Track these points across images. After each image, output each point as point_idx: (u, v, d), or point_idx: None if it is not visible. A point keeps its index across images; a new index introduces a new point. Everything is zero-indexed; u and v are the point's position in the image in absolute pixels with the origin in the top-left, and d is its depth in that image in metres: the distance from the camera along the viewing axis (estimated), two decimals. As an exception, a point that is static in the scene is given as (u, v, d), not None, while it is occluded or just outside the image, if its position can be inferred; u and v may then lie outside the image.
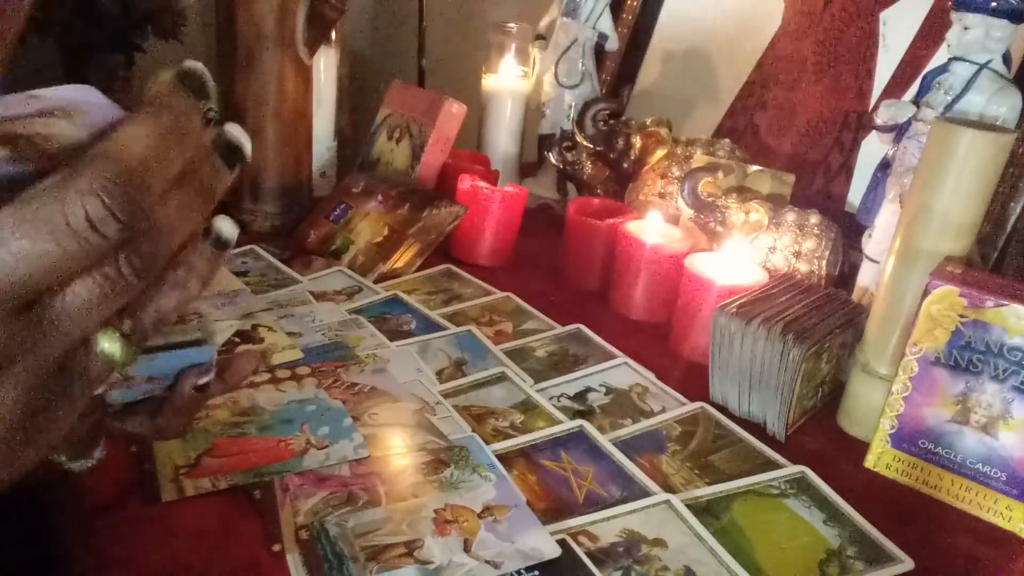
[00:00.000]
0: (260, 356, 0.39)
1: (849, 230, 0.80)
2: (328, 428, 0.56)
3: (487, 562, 0.46)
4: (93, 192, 0.22)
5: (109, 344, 0.26)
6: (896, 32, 0.90)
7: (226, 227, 0.28)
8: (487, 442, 0.57)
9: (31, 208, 0.22)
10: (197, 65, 0.27)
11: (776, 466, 0.58)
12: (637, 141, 0.93)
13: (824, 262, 0.77)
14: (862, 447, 0.62)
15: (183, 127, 0.25)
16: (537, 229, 0.99)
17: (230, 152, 0.27)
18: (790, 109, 0.99)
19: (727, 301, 0.65)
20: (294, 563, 0.45)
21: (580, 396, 0.65)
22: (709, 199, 0.82)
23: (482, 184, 0.90)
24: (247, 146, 0.27)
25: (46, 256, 0.22)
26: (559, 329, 0.76)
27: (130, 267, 0.24)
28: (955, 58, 0.66)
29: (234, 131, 0.27)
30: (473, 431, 0.58)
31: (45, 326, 0.23)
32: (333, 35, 1.00)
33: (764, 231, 0.79)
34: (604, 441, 0.58)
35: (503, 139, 1.13)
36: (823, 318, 0.65)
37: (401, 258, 0.85)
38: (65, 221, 0.22)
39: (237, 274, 0.80)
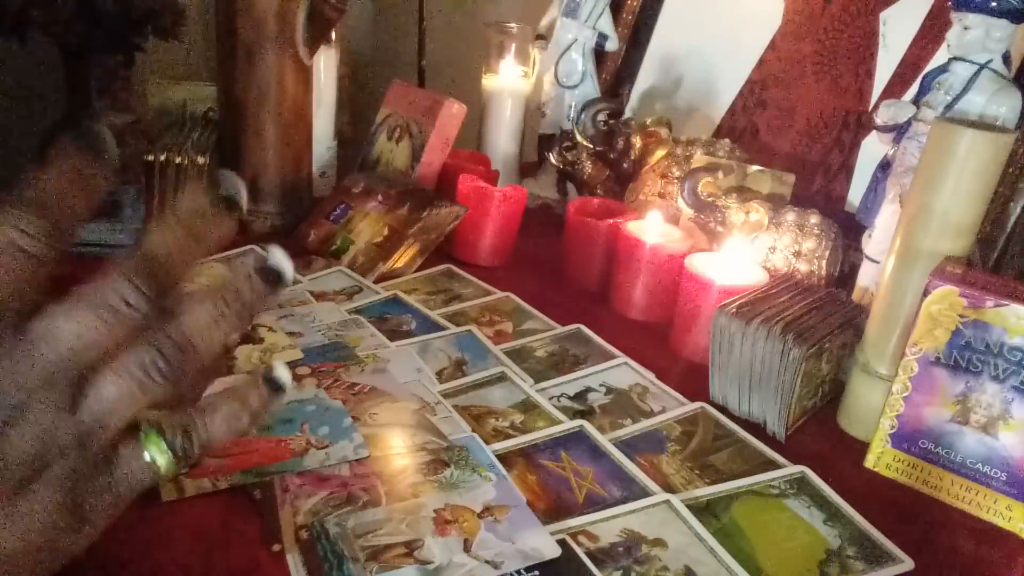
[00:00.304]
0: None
1: (849, 230, 0.80)
2: (328, 428, 0.56)
3: (487, 562, 0.46)
4: (124, 277, 0.27)
5: (159, 454, 0.28)
6: (896, 32, 0.90)
7: (283, 373, 0.31)
8: (487, 442, 0.57)
9: (81, 296, 0.27)
10: (231, 181, 0.30)
11: (776, 466, 0.58)
12: (637, 141, 0.93)
13: (824, 262, 0.77)
14: (862, 447, 0.62)
15: (199, 229, 0.29)
16: (537, 229, 0.99)
17: (270, 275, 0.29)
18: (790, 109, 0.99)
19: (727, 301, 0.65)
20: (294, 563, 0.45)
21: (580, 396, 0.65)
22: (709, 199, 0.82)
23: (482, 184, 0.90)
24: (288, 273, 0.29)
25: (91, 330, 0.26)
26: (559, 329, 0.76)
27: (162, 360, 0.27)
28: (955, 58, 0.66)
29: (277, 255, 0.29)
30: (473, 431, 0.58)
31: (88, 417, 0.26)
32: (333, 35, 1.00)
33: (764, 231, 0.79)
34: (604, 441, 0.58)
35: (503, 139, 1.13)
36: (823, 318, 0.65)
37: (401, 258, 0.85)
38: (105, 301, 0.26)
39: (237, 274, 0.80)
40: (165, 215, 0.28)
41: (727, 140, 0.93)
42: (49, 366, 0.26)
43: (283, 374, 0.31)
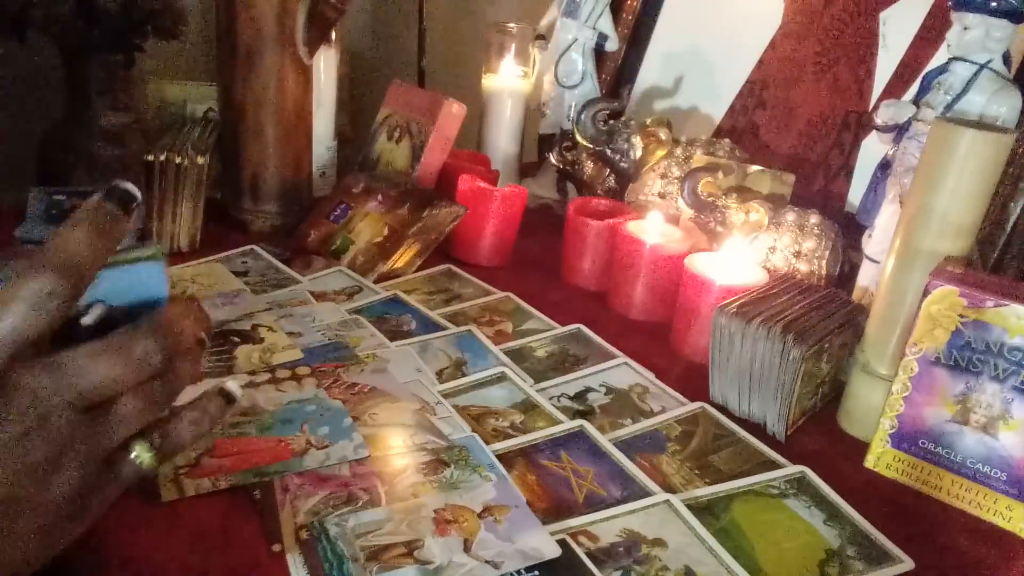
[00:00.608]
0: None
1: (849, 230, 0.80)
2: (328, 428, 0.56)
3: (487, 562, 0.46)
4: (149, 337, 0.34)
5: (143, 452, 0.36)
6: (896, 32, 0.90)
7: (233, 387, 0.39)
8: (487, 442, 0.57)
9: (109, 343, 0.33)
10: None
11: (776, 466, 0.58)
12: (637, 141, 0.93)
13: (824, 262, 0.77)
14: (862, 447, 0.62)
15: (191, 326, 0.37)
16: (537, 229, 0.99)
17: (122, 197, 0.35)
18: (790, 109, 0.99)
19: (727, 301, 0.65)
20: (294, 563, 0.45)
21: (580, 396, 0.65)
22: (709, 199, 0.82)
23: (482, 184, 0.90)
24: (237, 392, 0.40)
25: (116, 374, 0.33)
26: (559, 329, 0.76)
27: (163, 390, 0.35)
28: (955, 58, 0.66)
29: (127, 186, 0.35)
30: (473, 431, 0.58)
31: (103, 424, 0.33)
32: (333, 35, 1.00)
33: (764, 231, 0.79)
34: (604, 441, 0.58)
35: (503, 139, 1.13)
36: (823, 318, 0.65)
37: (401, 258, 0.85)
38: (132, 352, 0.34)
39: (237, 274, 0.81)
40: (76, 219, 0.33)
41: (727, 140, 0.93)
42: (75, 391, 0.32)
43: (234, 387, 0.39)
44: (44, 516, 0.32)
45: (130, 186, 0.34)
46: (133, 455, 0.36)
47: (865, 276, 0.75)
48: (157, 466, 0.37)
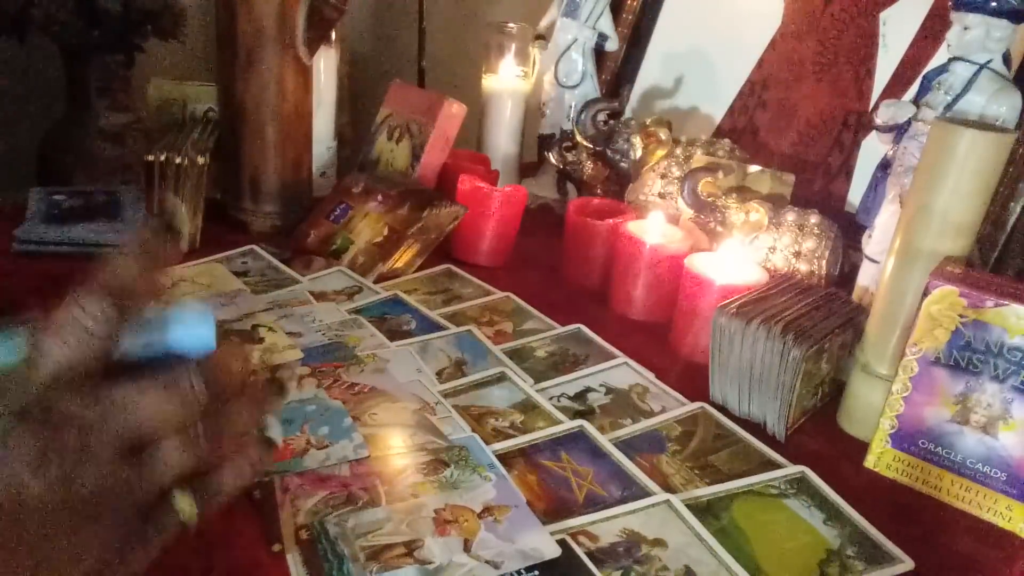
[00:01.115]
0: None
1: (849, 230, 0.80)
2: (328, 428, 0.56)
3: (487, 562, 0.46)
4: (198, 374, 0.32)
5: (184, 502, 0.33)
6: (896, 32, 0.90)
7: (274, 432, 0.37)
8: (487, 442, 0.57)
9: (157, 379, 0.32)
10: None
11: (776, 466, 0.58)
12: (637, 141, 0.93)
13: (824, 262, 0.77)
14: (862, 447, 0.62)
15: (242, 361, 0.35)
16: (537, 229, 0.99)
17: (279, 387, 0.38)
18: (790, 109, 0.99)
19: (727, 301, 0.65)
20: (294, 563, 0.45)
21: (580, 396, 0.65)
22: (709, 199, 0.82)
23: (482, 184, 0.90)
24: (278, 438, 0.38)
25: (163, 411, 0.31)
26: (559, 329, 0.76)
27: (206, 434, 0.33)
28: (955, 58, 0.66)
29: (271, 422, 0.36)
30: (473, 431, 0.58)
31: (144, 467, 0.31)
32: (333, 35, 1.00)
33: (764, 231, 0.79)
34: (604, 441, 0.58)
35: (503, 139, 1.13)
36: (823, 318, 0.65)
37: (401, 258, 0.85)
38: (178, 387, 0.32)
39: (237, 274, 0.81)
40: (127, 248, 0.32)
41: (727, 140, 0.93)
42: (121, 426, 0.31)
43: (274, 432, 0.38)
44: (80, 564, 0.30)
45: (178, 211, 0.34)
46: (178, 512, 0.34)
47: (865, 276, 0.75)
48: (197, 516, 0.34)
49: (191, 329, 0.34)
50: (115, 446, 0.30)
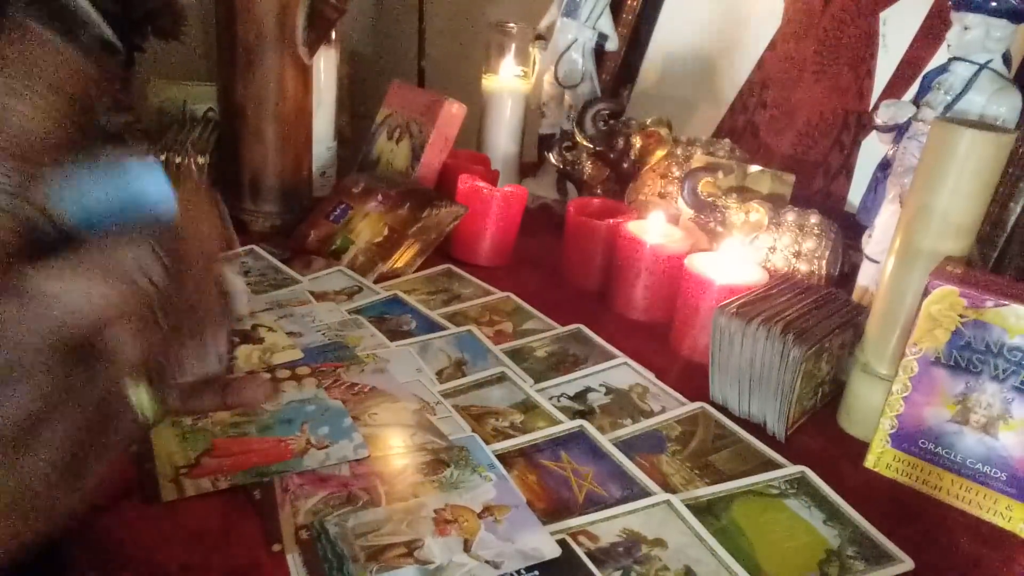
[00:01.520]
0: (271, 387, 0.36)
1: (849, 230, 0.80)
2: (328, 428, 0.56)
3: (487, 562, 0.46)
4: (147, 246, 0.25)
5: (143, 396, 0.27)
6: (896, 32, 0.90)
7: (236, 285, 0.31)
8: (487, 442, 0.57)
9: (99, 258, 0.25)
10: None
11: (776, 466, 0.58)
12: (637, 141, 0.93)
13: (824, 262, 0.77)
14: (862, 447, 0.62)
15: (209, 223, 0.29)
16: (537, 229, 0.99)
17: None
18: (790, 109, 0.99)
19: (727, 301, 0.65)
20: (294, 563, 0.45)
21: (580, 396, 0.65)
22: (709, 199, 0.82)
23: (482, 184, 0.90)
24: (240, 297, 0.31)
25: (105, 301, 0.24)
26: (559, 329, 0.76)
27: (163, 314, 0.26)
28: (955, 58, 0.66)
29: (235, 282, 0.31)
30: (473, 431, 0.58)
31: (92, 366, 0.25)
32: (333, 35, 1.00)
33: (764, 231, 0.79)
34: (604, 441, 0.58)
35: (503, 139, 1.13)
36: (823, 318, 0.65)
37: (401, 258, 0.85)
38: (128, 271, 0.25)
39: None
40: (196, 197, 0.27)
41: (727, 140, 0.93)
42: (54, 326, 0.24)
43: (238, 290, 0.31)
44: (26, 492, 0.25)
45: (108, 33, 0.27)
46: (133, 402, 0.28)
47: (865, 276, 0.75)
48: (159, 410, 0.28)
49: (137, 178, 0.27)
50: (48, 350, 0.24)
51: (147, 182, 0.27)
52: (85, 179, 0.26)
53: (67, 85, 0.24)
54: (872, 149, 0.87)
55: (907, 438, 0.59)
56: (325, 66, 1.02)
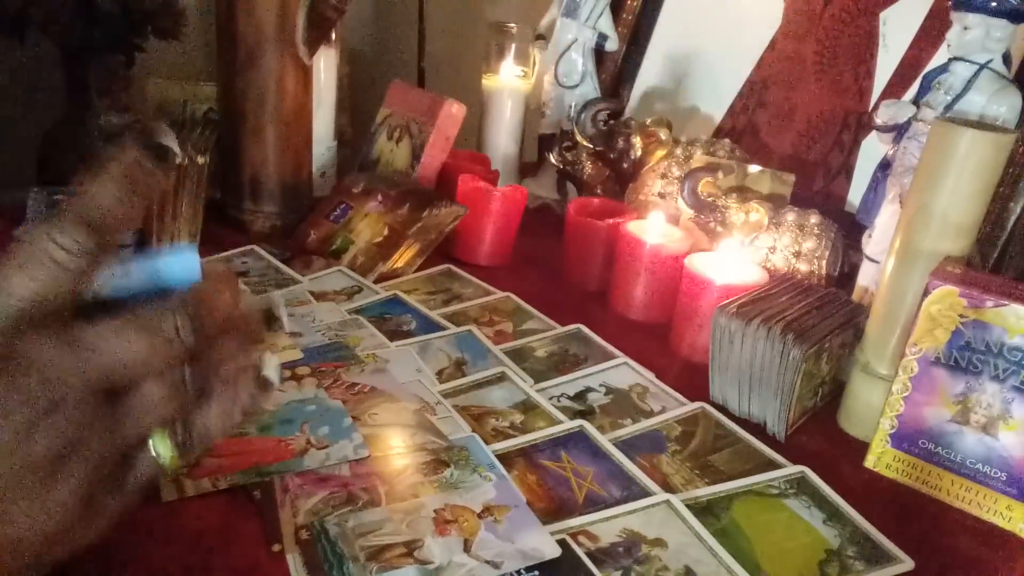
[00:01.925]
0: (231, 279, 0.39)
1: (849, 230, 0.80)
2: (328, 428, 0.56)
3: (487, 562, 0.46)
4: (182, 310, 0.29)
5: (162, 447, 0.31)
6: (896, 32, 0.90)
7: (271, 372, 0.34)
8: (487, 442, 0.57)
9: (136, 319, 0.29)
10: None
11: (776, 466, 0.58)
12: (637, 141, 0.93)
13: (824, 262, 0.77)
14: (862, 447, 0.62)
15: (231, 293, 0.32)
16: (537, 229, 0.99)
17: (268, 317, 0.34)
18: (790, 109, 0.99)
19: (727, 301, 0.65)
20: (294, 563, 0.45)
21: (580, 396, 0.65)
22: (709, 199, 0.82)
23: (482, 184, 0.90)
24: (284, 318, 0.36)
25: (142, 353, 0.28)
26: (559, 329, 0.76)
27: (193, 378, 0.30)
28: (955, 58, 0.66)
29: (276, 300, 0.34)
30: (473, 431, 0.58)
31: (122, 414, 0.29)
32: (333, 35, 1.00)
33: (764, 231, 0.79)
34: (604, 441, 0.58)
35: (503, 139, 1.13)
36: (823, 318, 0.65)
37: (401, 258, 0.85)
38: (160, 327, 0.29)
39: (237, 274, 0.80)
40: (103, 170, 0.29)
41: (727, 140, 0.93)
42: (94, 371, 0.28)
43: (272, 373, 0.34)
44: (46, 522, 0.27)
45: (170, 139, 0.32)
46: (155, 456, 0.31)
47: (865, 276, 0.75)
48: (179, 463, 0.31)
49: (174, 260, 0.31)
50: (87, 392, 0.27)
51: (180, 269, 0.31)
52: (129, 261, 0.30)
53: (147, 195, 0.30)
54: (872, 149, 0.87)
55: (907, 438, 0.59)
56: (325, 66, 1.02)
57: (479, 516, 0.49)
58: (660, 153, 0.92)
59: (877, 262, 0.72)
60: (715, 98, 1.06)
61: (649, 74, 1.14)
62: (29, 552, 0.28)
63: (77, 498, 0.28)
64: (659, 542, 0.49)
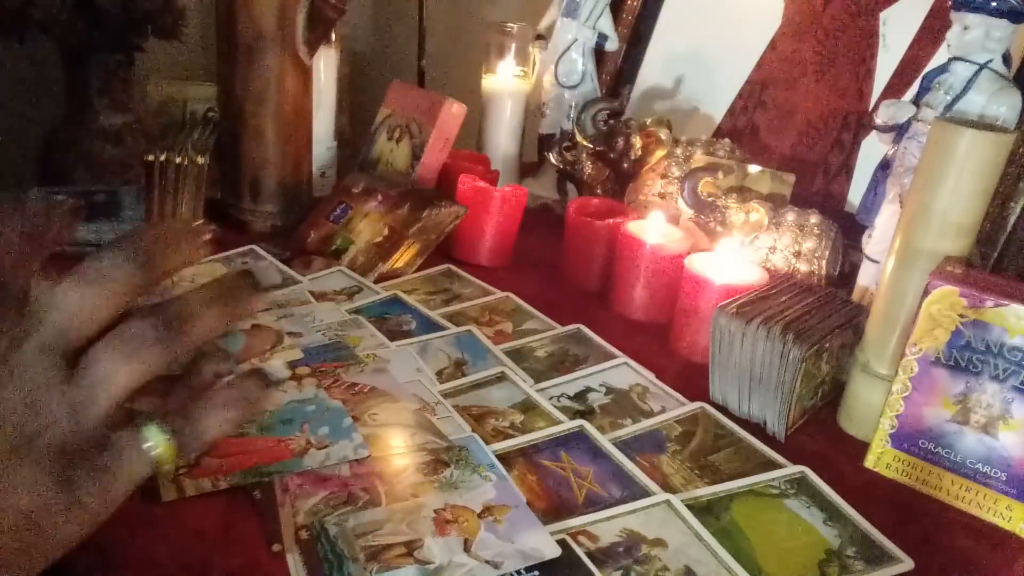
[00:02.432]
0: (275, 336, 0.39)
1: (849, 230, 0.80)
2: (328, 428, 0.56)
3: (487, 562, 0.46)
4: (126, 251, 0.29)
5: (158, 439, 0.29)
6: (896, 32, 0.90)
7: (274, 368, 0.34)
8: (487, 442, 0.57)
9: (82, 267, 0.28)
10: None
11: (776, 466, 0.58)
12: (637, 141, 0.93)
13: (824, 262, 0.77)
14: (862, 447, 0.62)
15: (186, 243, 0.31)
16: (537, 229, 0.99)
17: (255, 280, 0.32)
18: (790, 109, 0.99)
19: (727, 301, 0.65)
20: (294, 563, 0.45)
21: (580, 396, 0.65)
22: (709, 199, 0.82)
23: (482, 184, 0.90)
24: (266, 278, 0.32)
25: (89, 300, 0.27)
26: (559, 329, 0.76)
27: (155, 323, 0.28)
28: (955, 58, 0.66)
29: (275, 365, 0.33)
30: (473, 431, 0.58)
31: (83, 386, 0.27)
32: (333, 35, 1.00)
33: (764, 231, 0.79)
34: (604, 441, 0.58)
35: (503, 139, 1.13)
36: (823, 318, 0.65)
37: (401, 258, 0.85)
38: (112, 278, 0.28)
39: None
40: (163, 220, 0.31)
41: (727, 140, 0.93)
42: (46, 333, 0.27)
43: (274, 368, 0.33)
44: (19, 498, 0.26)
45: (270, 274, 0.32)
46: (146, 444, 0.29)
47: (865, 276, 0.75)
48: (175, 459, 0.30)
49: None
50: (44, 358, 0.26)
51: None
52: None
53: (191, 259, 0.30)
54: (872, 149, 0.87)
55: (907, 438, 0.59)
56: (325, 66, 1.02)
57: (479, 516, 0.49)
58: (660, 153, 0.92)
59: (877, 262, 0.72)
60: (715, 98, 1.06)
61: (649, 74, 1.14)
62: (10, 533, 0.26)
63: (47, 474, 0.27)
64: (659, 542, 0.49)
